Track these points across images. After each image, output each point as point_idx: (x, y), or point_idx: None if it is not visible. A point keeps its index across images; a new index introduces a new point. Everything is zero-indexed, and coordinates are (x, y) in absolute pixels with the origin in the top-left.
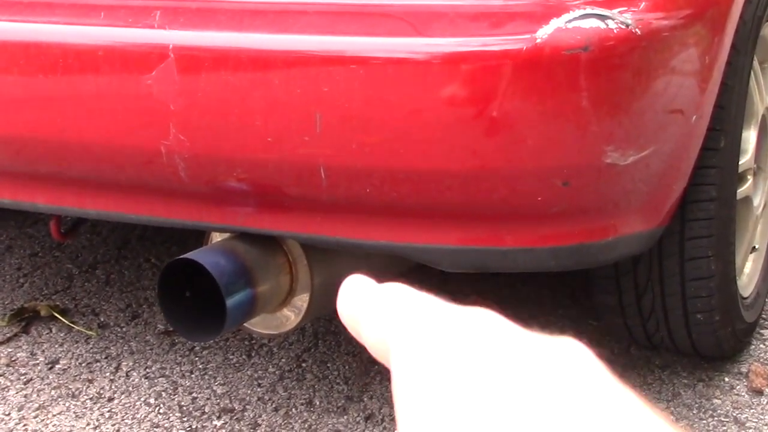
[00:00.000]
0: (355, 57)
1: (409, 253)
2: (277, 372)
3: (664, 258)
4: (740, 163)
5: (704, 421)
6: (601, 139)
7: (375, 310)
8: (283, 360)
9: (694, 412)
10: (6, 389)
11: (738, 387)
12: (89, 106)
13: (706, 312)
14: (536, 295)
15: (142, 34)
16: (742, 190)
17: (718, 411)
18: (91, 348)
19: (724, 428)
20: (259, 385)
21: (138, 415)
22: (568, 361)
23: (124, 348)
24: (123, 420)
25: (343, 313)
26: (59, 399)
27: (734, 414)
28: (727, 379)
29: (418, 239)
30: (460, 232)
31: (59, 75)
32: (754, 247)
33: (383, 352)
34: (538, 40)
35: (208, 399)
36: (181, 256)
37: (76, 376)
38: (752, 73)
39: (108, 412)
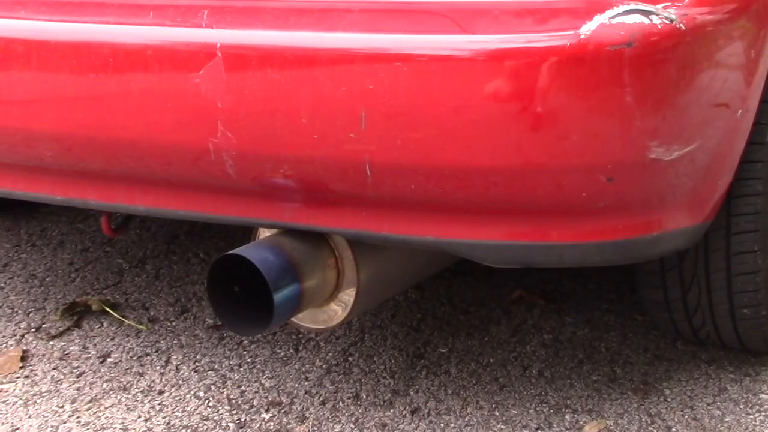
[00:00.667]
0: (400, 54)
1: (454, 248)
2: (324, 366)
3: (710, 253)
4: None
5: (751, 416)
6: (645, 134)
7: None
8: (330, 354)
9: (741, 407)
10: (59, 382)
11: None
12: (139, 105)
13: (753, 307)
14: (582, 291)
15: (190, 33)
16: None
17: (765, 406)
18: (142, 342)
19: None
20: (306, 378)
21: (188, 408)
22: None
23: (174, 342)
24: (173, 413)
25: None
26: (111, 392)
27: None
28: None
29: (463, 235)
30: (505, 228)
31: (109, 74)
32: None
33: None
34: (582, 36)
35: (256, 392)
36: (230, 252)
37: (127, 369)
38: None
39: (158, 404)
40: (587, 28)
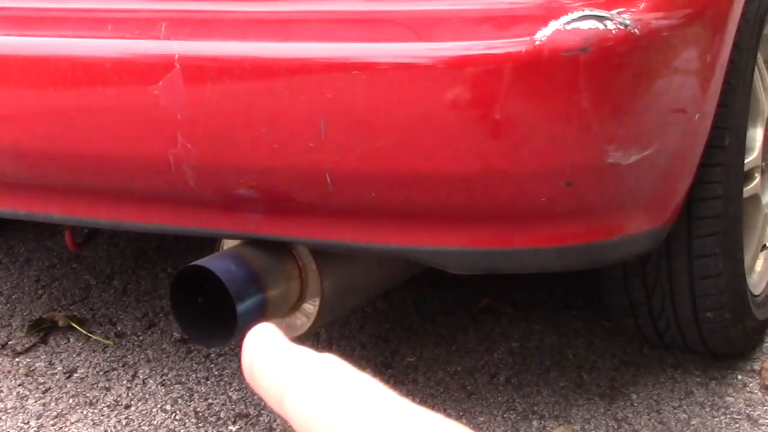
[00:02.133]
0: (358, 63)
1: (417, 255)
2: None
3: (672, 257)
4: (747, 161)
5: (717, 419)
6: (602, 139)
7: (279, 354)
8: None
9: (707, 410)
10: (25, 398)
11: (751, 384)
12: (98, 118)
13: (716, 310)
14: (550, 298)
15: (149, 46)
16: (749, 188)
17: (731, 409)
18: (109, 357)
19: (737, 426)
20: None
21: (155, 422)
22: None
23: (141, 356)
24: (140, 426)
25: (247, 348)
26: (77, 407)
27: (747, 411)
28: (739, 377)
29: (425, 242)
30: (467, 234)
31: (68, 87)
32: (765, 245)
33: (276, 395)
34: (537, 42)
35: (223, 405)
36: (192, 263)
37: (93, 384)
38: (756, 71)
39: (125, 419)
40: (542, 34)
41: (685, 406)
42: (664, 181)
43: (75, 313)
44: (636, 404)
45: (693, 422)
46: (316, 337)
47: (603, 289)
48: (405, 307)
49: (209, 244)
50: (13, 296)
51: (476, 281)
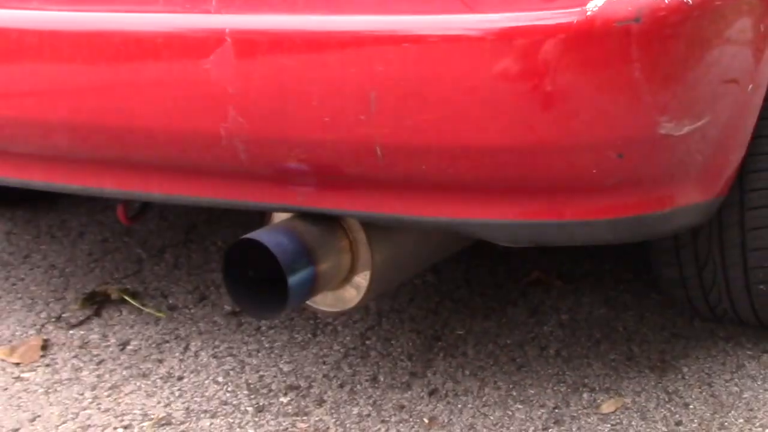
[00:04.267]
0: (408, 35)
1: (468, 228)
2: (341, 350)
3: (725, 229)
4: None
5: None
6: (654, 110)
7: None
8: (348, 338)
9: (759, 383)
10: (79, 370)
11: None
12: (150, 92)
13: None
14: (599, 271)
15: (199, 20)
16: None
17: None
18: (161, 329)
19: None
20: (324, 362)
21: (207, 393)
22: None
23: (193, 329)
24: (192, 398)
25: None
26: (131, 378)
27: None
28: None
29: (475, 214)
30: (517, 207)
31: (120, 62)
32: None
33: None
34: (589, 13)
35: (274, 377)
36: (244, 236)
37: (146, 356)
38: None
39: (178, 390)
40: (594, 5)
41: (736, 379)
42: (716, 152)
43: (127, 287)
44: (687, 377)
45: (745, 395)
46: (365, 310)
47: (653, 261)
48: (454, 280)
49: (258, 217)
50: (67, 270)
51: (525, 254)
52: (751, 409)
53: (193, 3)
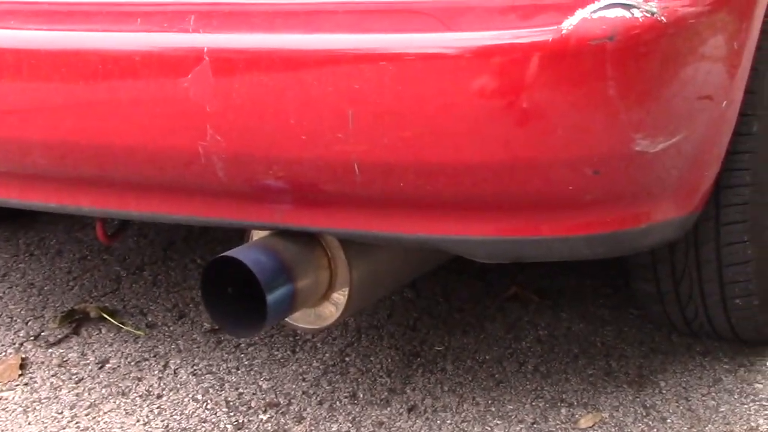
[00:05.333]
0: (385, 54)
1: (445, 245)
2: (321, 366)
3: (700, 244)
4: None
5: (746, 406)
6: (629, 127)
7: None
8: (327, 354)
9: (735, 397)
10: (58, 389)
11: None
12: (128, 111)
13: (744, 297)
14: (577, 286)
15: (178, 39)
16: None
17: (760, 396)
18: (140, 347)
19: (766, 412)
20: (303, 379)
21: (186, 411)
22: None
23: (172, 346)
24: (172, 416)
25: None
26: (110, 397)
27: None
28: None
29: (453, 231)
30: (494, 223)
31: (98, 81)
32: None
33: None
34: (564, 31)
35: (254, 394)
36: (222, 254)
37: (125, 374)
38: None
39: (157, 408)
40: (569, 23)
41: (713, 393)
42: (691, 168)
43: (106, 305)
44: (664, 391)
45: (722, 409)
46: (344, 327)
47: (631, 276)
48: (433, 296)
49: (237, 234)
50: (45, 288)
51: (503, 269)
52: (728, 423)
53: (171, 22)
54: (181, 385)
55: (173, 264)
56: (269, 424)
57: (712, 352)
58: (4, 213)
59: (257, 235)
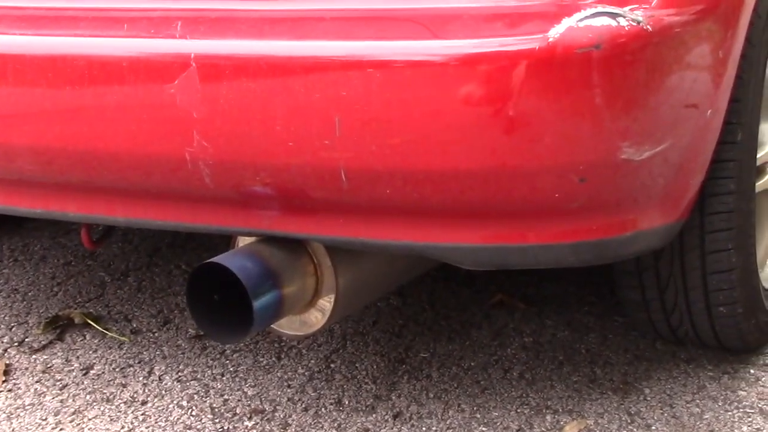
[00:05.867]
0: (372, 61)
1: (432, 252)
2: (306, 373)
3: (685, 252)
4: (759, 156)
5: (730, 413)
6: (615, 135)
7: None
8: (312, 361)
9: (720, 404)
10: (42, 395)
11: (764, 378)
12: (115, 117)
13: (729, 305)
14: (562, 293)
15: (164, 45)
16: (762, 183)
17: (744, 403)
18: (125, 353)
19: (750, 420)
20: (288, 386)
21: (171, 418)
22: None
23: (157, 353)
24: (156, 422)
25: None
26: (94, 403)
27: (760, 405)
28: (752, 371)
29: (440, 238)
30: (481, 231)
31: (85, 87)
32: None
33: None
34: (551, 40)
35: (239, 400)
36: (208, 261)
37: (110, 380)
38: None
39: (142, 415)
40: (555, 32)
41: (698, 401)
42: (676, 176)
43: (91, 310)
44: (649, 399)
45: (706, 416)
46: (330, 333)
47: (616, 284)
48: (419, 303)
49: (223, 240)
50: (30, 294)
51: (488, 276)
52: (712, 430)
53: (158, 28)
54: (165, 391)
55: (158, 270)
56: (254, 431)
57: (696, 360)
58: None
59: (243, 241)
